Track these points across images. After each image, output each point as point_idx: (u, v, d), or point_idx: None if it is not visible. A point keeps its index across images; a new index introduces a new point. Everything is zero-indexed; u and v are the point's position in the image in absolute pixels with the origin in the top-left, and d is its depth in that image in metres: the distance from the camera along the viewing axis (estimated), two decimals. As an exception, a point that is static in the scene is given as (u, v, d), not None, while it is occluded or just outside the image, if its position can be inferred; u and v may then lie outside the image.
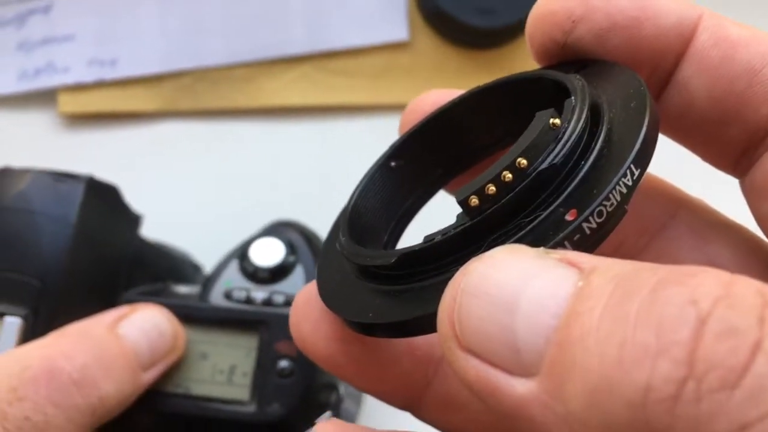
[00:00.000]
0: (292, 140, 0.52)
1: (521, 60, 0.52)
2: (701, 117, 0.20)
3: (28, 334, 0.30)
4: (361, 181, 0.23)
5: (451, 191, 0.25)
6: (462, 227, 0.17)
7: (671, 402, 0.12)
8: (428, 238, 0.18)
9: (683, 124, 0.21)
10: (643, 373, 0.12)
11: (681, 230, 0.23)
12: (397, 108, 0.52)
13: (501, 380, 0.14)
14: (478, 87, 0.23)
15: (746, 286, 0.13)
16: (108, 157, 0.52)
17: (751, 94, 0.19)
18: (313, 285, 0.22)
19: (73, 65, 0.53)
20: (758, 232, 0.21)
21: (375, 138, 0.51)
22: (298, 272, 0.35)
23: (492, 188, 0.17)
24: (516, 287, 0.14)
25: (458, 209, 0.18)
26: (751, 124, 0.20)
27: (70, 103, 0.53)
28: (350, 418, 0.36)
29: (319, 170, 0.51)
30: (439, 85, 0.51)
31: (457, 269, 0.16)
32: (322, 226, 0.40)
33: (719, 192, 0.25)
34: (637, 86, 0.19)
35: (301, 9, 0.52)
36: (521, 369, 0.14)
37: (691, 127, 0.21)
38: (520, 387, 0.14)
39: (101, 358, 0.28)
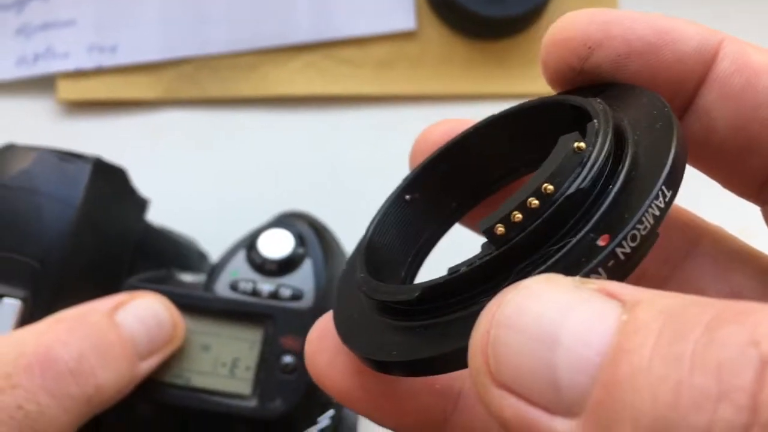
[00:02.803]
0: (297, 130, 0.51)
1: (531, 51, 0.51)
2: (723, 144, 0.20)
3: (27, 317, 0.30)
4: (375, 216, 0.22)
5: (467, 224, 0.25)
6: (488, 257, 0.17)
7: None
8: (453, 270, 0.18)
9: (704, 151, 0.20)
10: (702, 418, 0.12)
11: (704, 259, 0.22)
12: (404, 98, 0.51)
13: (540, 419, 0.14)
14: (493, 115, 0.22)
15: None
16: (107, 146, 0.50)
17: None
18: (328, 317, 0.21)
19: (73, 51, 0.52)
20: None
21: (381, 129, 0.51)
22: (307, 265, 0.34)
23: (518, 215, 0.16)
24: (555, 320, 0.14)
25: (479, 240, 0.17)
26: None
27: (69, 90, 0.52)
28: (353, 419, 0.36)
29: (324, 160, 0.50)
30: (446, 76, 0.50)
31: (485, 301, 0.15)
32: (326, 216, 0.40)
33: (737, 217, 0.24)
34: (661, 107, 0.18)
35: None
36: (562, 408, 0.13)
37: (712, 154, 0.20)
38: (560, 427, 0.13)
39: (98, 346, 0.28)
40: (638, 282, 0.22)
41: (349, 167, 0.49)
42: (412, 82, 0.51)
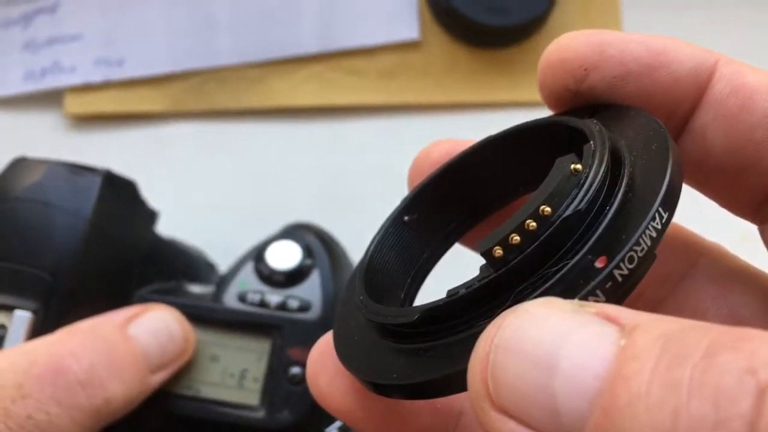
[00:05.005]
0: (303, 141, 0.51)
1: (534, 59, 0.50)
2: (719, 165, 0.20)
3: (38, 329, 0.30)
4: (374, 237, 0.23)
5: (466, 244, 0.25)
6: (487, 279, 0.17)
7: None
8: (452, 292, 0.18)
9: (700, 171, 0.20)
10: None
11: (702, 279, 0.22)
12: (409, 108, 0.51)
13: None
14: (490, 136, 0.22)
15: None
16: (115, 159, 0.50)
17: None
18: (328, 337, 0.22)
19: (80, 65, 0.52)
20: None
21: (387, 138, 0.51)
22: (314, 276, 0.34)
23: (516, 238, 0.16)
24: (554, 344, 0.14)
25: (478, 262, 0.17)
26: None
27: (76, 104, 0.52)
28: (361, 429, 0.36)
29: (331, 171, 0.50)
30: (450, 85, 0.51)
31: (484, 324, 0.15)
32: (334, 226, 0.40)
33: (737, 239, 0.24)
34: (657, 128, 0.18)
35: (312, 8, 0.52)
36: None
37: (708, 175, 0.20)
38: None
39: (109, 358, 0.28)
40: (635, 303, 0.22)
41: (355, 177, 0.50)
42: (417, 91, 0.51)
